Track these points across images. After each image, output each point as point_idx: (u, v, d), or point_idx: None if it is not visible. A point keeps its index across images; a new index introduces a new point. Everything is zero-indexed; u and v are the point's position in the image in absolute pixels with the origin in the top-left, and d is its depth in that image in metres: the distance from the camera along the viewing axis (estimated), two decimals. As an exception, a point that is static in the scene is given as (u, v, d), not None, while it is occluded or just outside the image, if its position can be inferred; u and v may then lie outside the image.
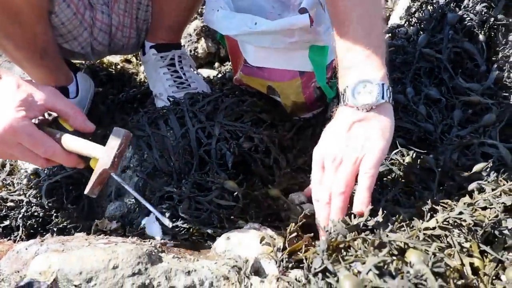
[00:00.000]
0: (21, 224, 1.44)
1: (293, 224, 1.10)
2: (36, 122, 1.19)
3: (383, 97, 1.10)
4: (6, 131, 1.11)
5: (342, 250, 0.94)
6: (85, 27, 1.76)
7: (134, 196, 1.24)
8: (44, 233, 1.43)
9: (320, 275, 0.88)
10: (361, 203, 1.06)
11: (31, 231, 1.44)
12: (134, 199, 1.39)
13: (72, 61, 2.04)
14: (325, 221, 1.09)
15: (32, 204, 1.46)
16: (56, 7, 1.61)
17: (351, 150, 1.10)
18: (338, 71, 1.19)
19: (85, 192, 1.17)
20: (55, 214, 1.44)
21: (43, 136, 1.16)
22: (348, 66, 1.15)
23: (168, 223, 1.15)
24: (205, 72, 2.40)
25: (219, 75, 2.31)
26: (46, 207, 1.45)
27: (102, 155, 1.15)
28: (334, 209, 1.08)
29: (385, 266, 0.85)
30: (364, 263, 0.86)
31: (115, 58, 2.50)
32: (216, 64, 2.49)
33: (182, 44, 2.09)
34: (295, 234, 1.08)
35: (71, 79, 1.86)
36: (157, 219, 1.21)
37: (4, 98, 1.15)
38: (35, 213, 1.45)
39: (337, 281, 0.85)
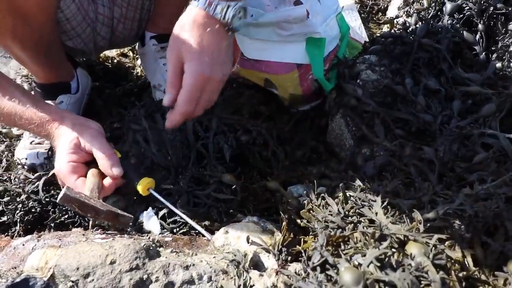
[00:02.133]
0: (18, 220, 1.43)
1: (286, 216, 1.09)
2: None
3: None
4: (57, 174, 1.31)
5: (341, 244, 0.93)
6: (88, 23, 1.74)
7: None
8: (42, 228, 1.42)
9: (319, 268, 0.87)
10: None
11: (29, 226, 1.43)
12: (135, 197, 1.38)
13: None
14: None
15: (30, 200, 1.45)
16: (61, 2, 1.60)
17: (216, 69, 1.21)
18: None
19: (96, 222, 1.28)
20: (52, 210, 1.43)
21: (75, 182, 1.25)
22: None
23: (210, 237, 1.15)
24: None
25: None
26: (43, 202, 1.44)
27: None
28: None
29: (386, 259, 0.84)
30: (364, 255, 0.85)
31: (111, 52, 2.48)
32: (216, 57, 2.46)
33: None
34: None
35: (73, 75, 1.85)
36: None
37: (63, 140, 1.29)
38: (33, 209, 1.43)
39: (337, 273, 0.84)
